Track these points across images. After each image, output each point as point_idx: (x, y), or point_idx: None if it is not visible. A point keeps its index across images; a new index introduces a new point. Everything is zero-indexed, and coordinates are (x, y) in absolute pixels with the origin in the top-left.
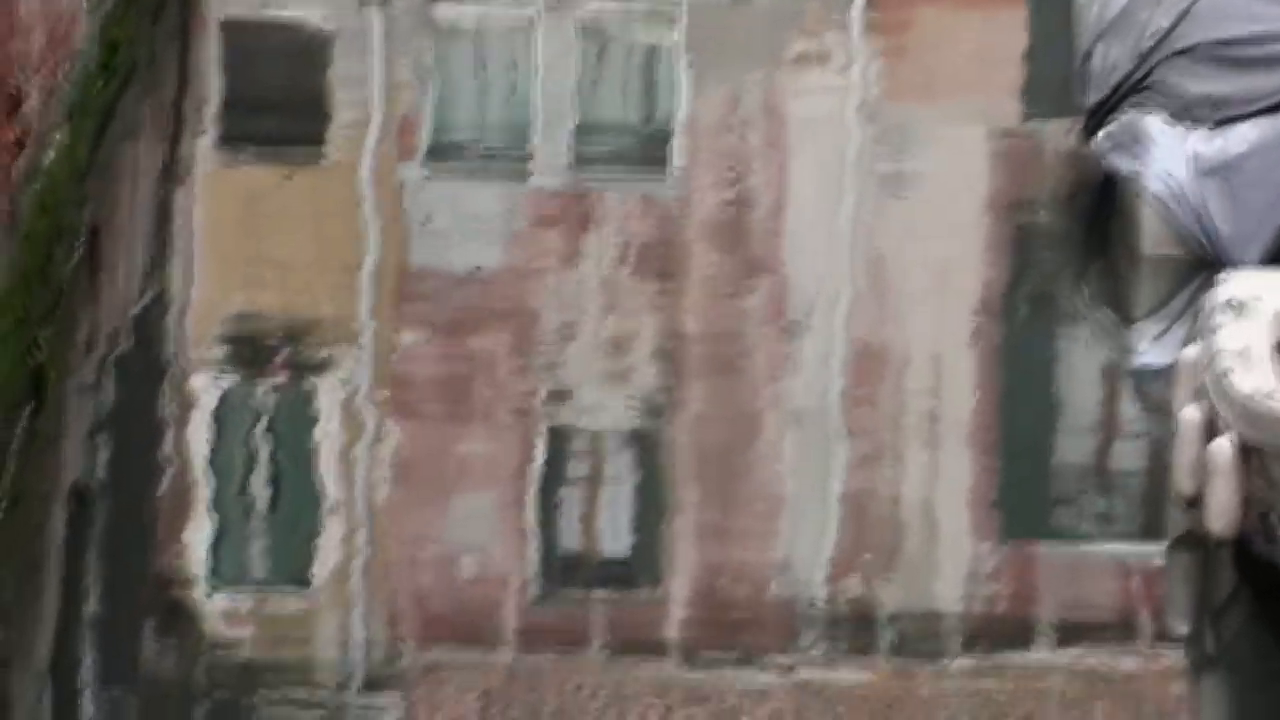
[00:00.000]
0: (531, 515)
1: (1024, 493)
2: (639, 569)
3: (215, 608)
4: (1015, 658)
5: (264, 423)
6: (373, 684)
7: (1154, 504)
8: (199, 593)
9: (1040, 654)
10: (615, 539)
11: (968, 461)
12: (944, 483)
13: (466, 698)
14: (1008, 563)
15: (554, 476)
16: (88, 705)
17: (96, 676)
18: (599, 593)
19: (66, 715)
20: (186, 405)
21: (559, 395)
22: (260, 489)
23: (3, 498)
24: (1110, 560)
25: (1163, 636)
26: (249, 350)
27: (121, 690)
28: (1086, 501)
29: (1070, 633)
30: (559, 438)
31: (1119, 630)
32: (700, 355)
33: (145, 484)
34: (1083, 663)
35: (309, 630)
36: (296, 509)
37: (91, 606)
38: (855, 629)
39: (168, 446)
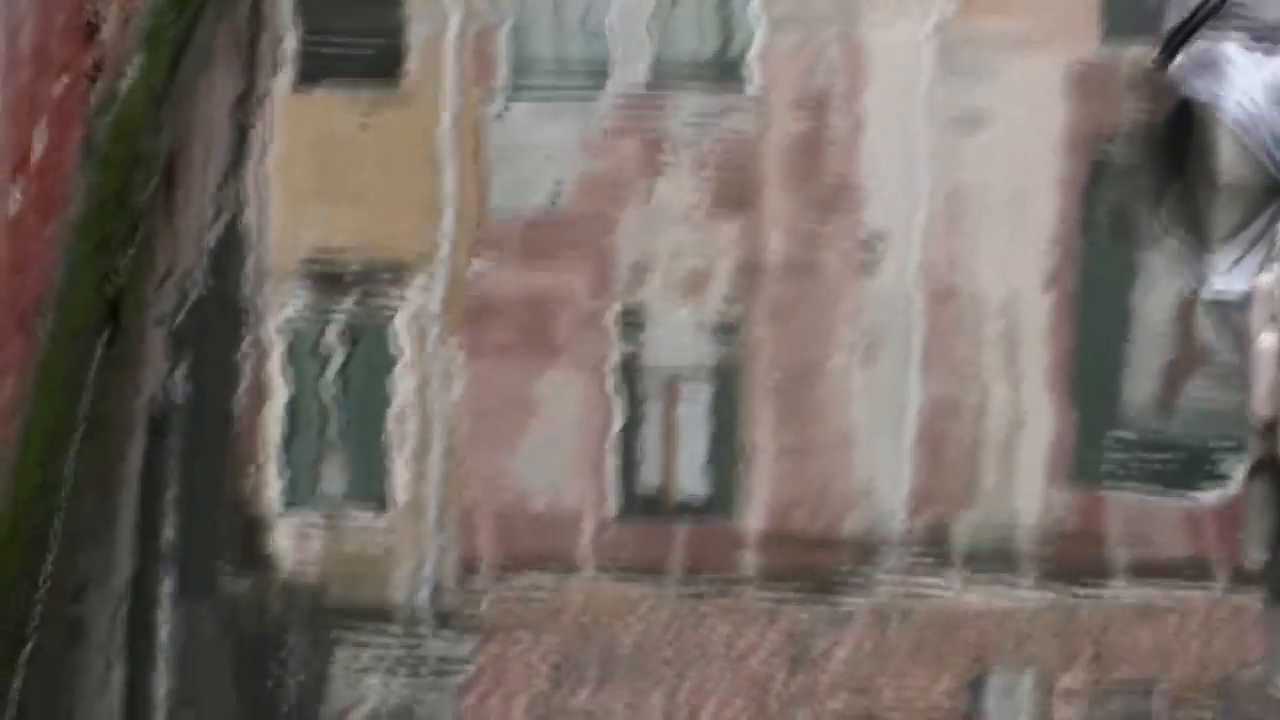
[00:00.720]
0: (608, 450)
1: (1100, 423)
2: (716, 504)
3: (290, 532)
4: (1089, 590)
5: (339, 355)
6: (447, 611)
7: (1231, 431)
8: (275, 517)
9: (1115, 587)
10: (691, 475)
11: (1044, 392)
12: (1021, 413)
13: (543, 631)
14: (1084, 492)
15: (630, 411)
16: (164, 627)
17: (173, 598)
18: (676, 526)
19: (143, 637)
20: (262, 337)
21: (635, 329)
22: (336, 419)
23: (81, 422)
24: (1186, 491)
25: (1240, 572)
26: (325, 283)
27: (198, 612)
28: (1163, 429)
29: (1145, 567)
30: (634, 372)
31: (1195, 564)
32: (776, 287)
33: (222, 413)
34: (1157, 594)
35: (383, 555)
36: (371, 439)
37: (169, 530)
38: (932, 557)
39: (244, 377)
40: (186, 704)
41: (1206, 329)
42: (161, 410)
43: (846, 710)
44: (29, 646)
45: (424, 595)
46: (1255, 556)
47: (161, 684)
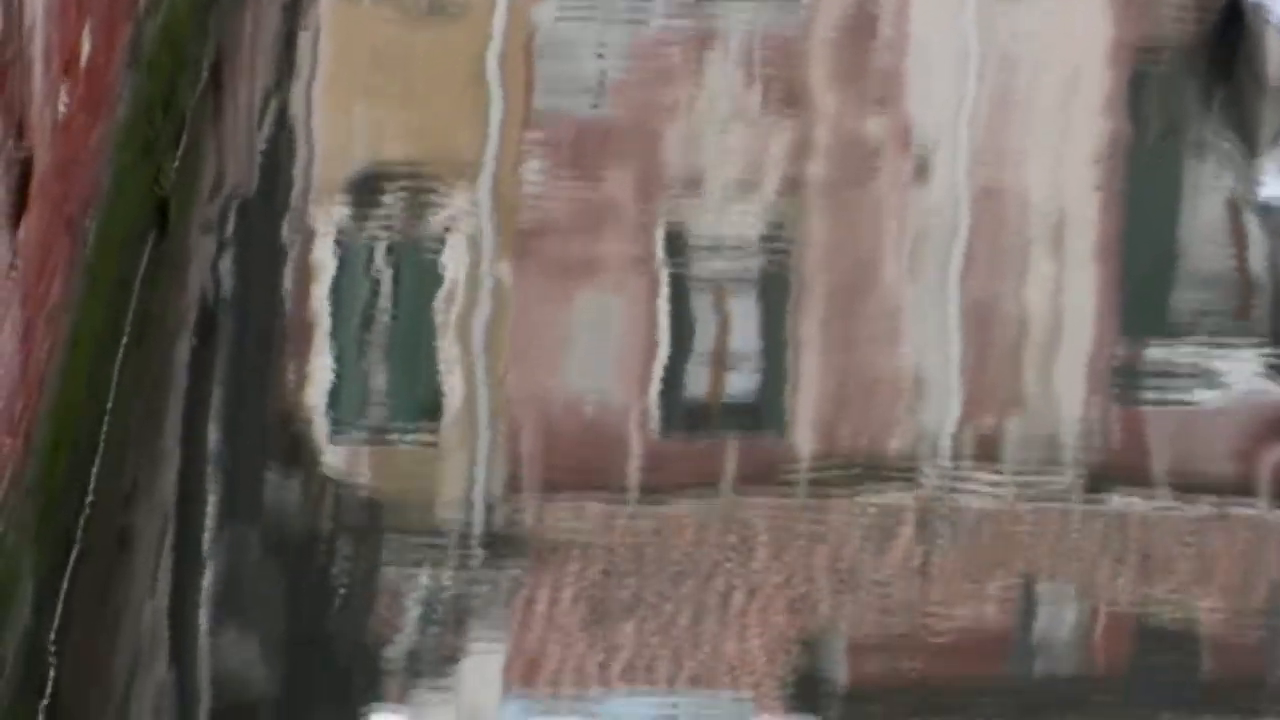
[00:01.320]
0: (657, 358)
1: (1149, 319)
2: (765, 408)
3: (336, 445)
4: (1135, 497)
5: (385, 265)
6: (496, 530)
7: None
8: (320, 430)
9: (1159, 498)
10: (740, 380)
11: (1092, 286)
12: (1069, 309)
13: (592, 541)
14: (1128, 398)
15: (679, 317)
16: (209, 543)
17: (219, 514)
18: (725, 433)
19: (189, 553)
20: (309, 246)
21: (683, 235)
22: (381, 329)
23: (129, 326)
24: (1233, 395)
25: None
26: (372, 192)
27: (243, 528)
28: (1212, 327)
29: (1189, 477)
30: (683, 278)
31: (1239, 473)
32: (824, 188)
33: (268, 322)
34: (1202, 501)
35: (430, 470)
36: (418, 348)
37: (214, 441)
38: (979, 466)
39: (290, 286)
40: (232, 607)
41: (1255, 233)
42: (209, 309)
43: (892, 613)
44: (76, 550)
45: (474, 512)
46: None
47: (207, 588)
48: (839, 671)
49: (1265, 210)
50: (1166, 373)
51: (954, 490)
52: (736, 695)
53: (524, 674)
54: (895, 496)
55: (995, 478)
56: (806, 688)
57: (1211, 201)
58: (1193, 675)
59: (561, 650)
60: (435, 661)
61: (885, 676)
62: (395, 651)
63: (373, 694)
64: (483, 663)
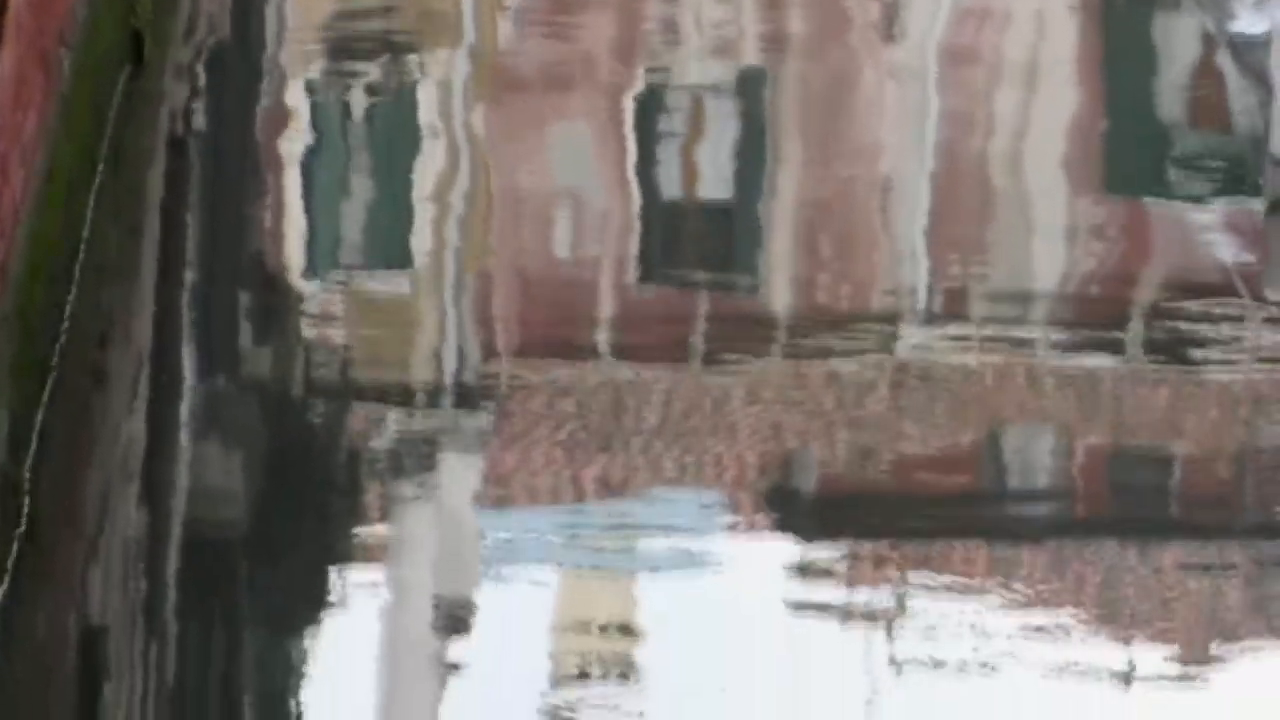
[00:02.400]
0: (631, 160)
1: (1122, 150)
2: (738, 256)
3: (308, 295)
4: (1108, 344)
5: (361, 112)
6: (468, 384)
7: (1251, 168)
8: (293, 279)
9: (1134, 336)
10: (717, 186)
11: (1065, 115)
12: (1039, 137)
13: (559, 400)
14: (1109, 220)
15: (651, 128)
16: (185, 394)
17: (194, 367)
18: (699, 273)
19: (165, 403)
20: (283, 89)
21: (660, 87)
22: (354, 178)
23: (105, 158)
24: (1203, 223)
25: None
26: (347, 43)
27: (219, 381)
28: (1181, 162)
29: (1165, 312)
30: (657, 93)
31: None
32: (804, 9)
33: (240, 166)
34: (1177, 345)
35: (404, 319)
36: (393, 193)
37: (189, 286)
38: (952, 312)
39: (264, 135)
40: (207, 442)
41: (1227, 68)
42: (183, 148)
43: (867, 459)
44: (52, 383)
45: (445, 366)
46: (1276, 293)
47: (184, 421)
48: (811, 488)
49: (1237, 45)
50: (1149, 188)
51: (928, 348)
52: (703, 500)
53: (495, 495)
54: (872, 358)
55: (967, 331)
56: (779, 505)
57: (1187, 35)
58: (1163, 511)
59: (531, 477)
60: (412, 475)
61: (858, 492)
62: (371, 476)
63: (348, 519)
64: (459, 474)
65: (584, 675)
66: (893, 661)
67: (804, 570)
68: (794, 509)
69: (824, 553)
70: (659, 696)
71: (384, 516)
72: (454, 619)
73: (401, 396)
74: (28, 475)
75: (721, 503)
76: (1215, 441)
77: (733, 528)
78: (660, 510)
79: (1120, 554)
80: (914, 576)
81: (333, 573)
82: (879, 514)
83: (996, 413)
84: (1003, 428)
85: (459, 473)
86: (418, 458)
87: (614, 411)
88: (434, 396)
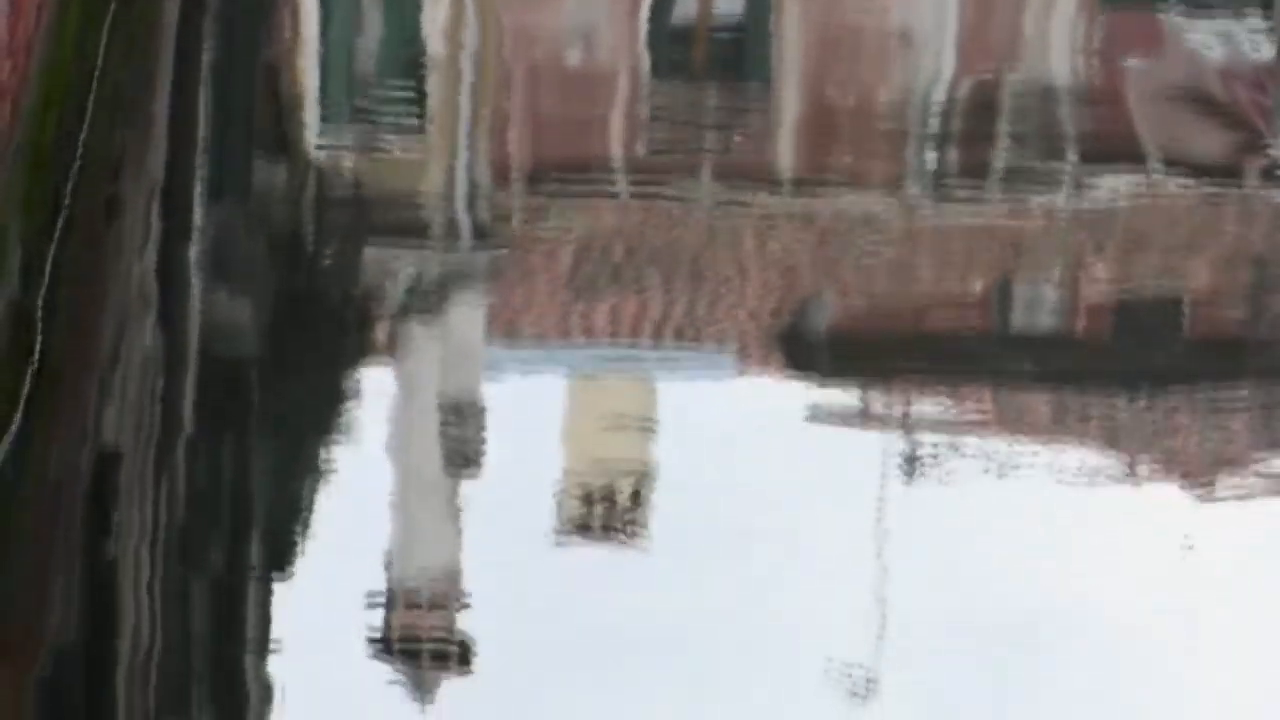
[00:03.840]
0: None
1: None
2: (750, 31)
3: (323, 129)
4: (1122, 183)
5: None
6: (482, 220)
7: None
8: (309, 110)
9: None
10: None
11: None
12: None
13: (570, 234)
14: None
15: None
16: (198, 220)
17: (207, 192)
18: (709, 84)
19: (178, 223)
20: None
21: None
22: (372, 9)
23: None
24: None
25: (1272, 170)
26: None
27: (230, 207)
28: None
29: (1176, 159)
30: None
31: (1225, 165)
32: None
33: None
34: (1187, 189)
35: (417, 153)
36: (404, 29)
37: (204, 107)
38: (967, 147)
39: None
40: (220, 271)
41: None
42: None
43: (877, 299)
44: (65, 215)
45: (458, 199)
46: None
47: (196, 254)
48: (823, 328)
49: None
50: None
51: (941, 183)
52: (719, 348)
53: (505, 329)
54: (882, 182)
55: (981, 163)
56: (791, 345)
57: None
58: (1174, 343)
59: (543, 312)
60: (422, 314)
61: (869, 332)
62: (382, 309)
63: (360, 351)
64: (468, 312)
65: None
66: (904, 469)
67: (815, 409)
68: (806, 352)
69: (836, 393)
70: (670, 499)
71: (392, 351)
72: (462, 454)
73: (414, 231)
74: (40, 308)
75: (733, 348)
76: (1227, 277)
77: (744, 372)
78: (671, 356)
79: (1128, 396)
80: (923, 413)
81: (342, 402)
82: (890, 357)
83: (1008, 247)
84: (1013, 265)
85: (468, 312)
86: (428, 296)
87: (626, 247)
88: (447, 229)
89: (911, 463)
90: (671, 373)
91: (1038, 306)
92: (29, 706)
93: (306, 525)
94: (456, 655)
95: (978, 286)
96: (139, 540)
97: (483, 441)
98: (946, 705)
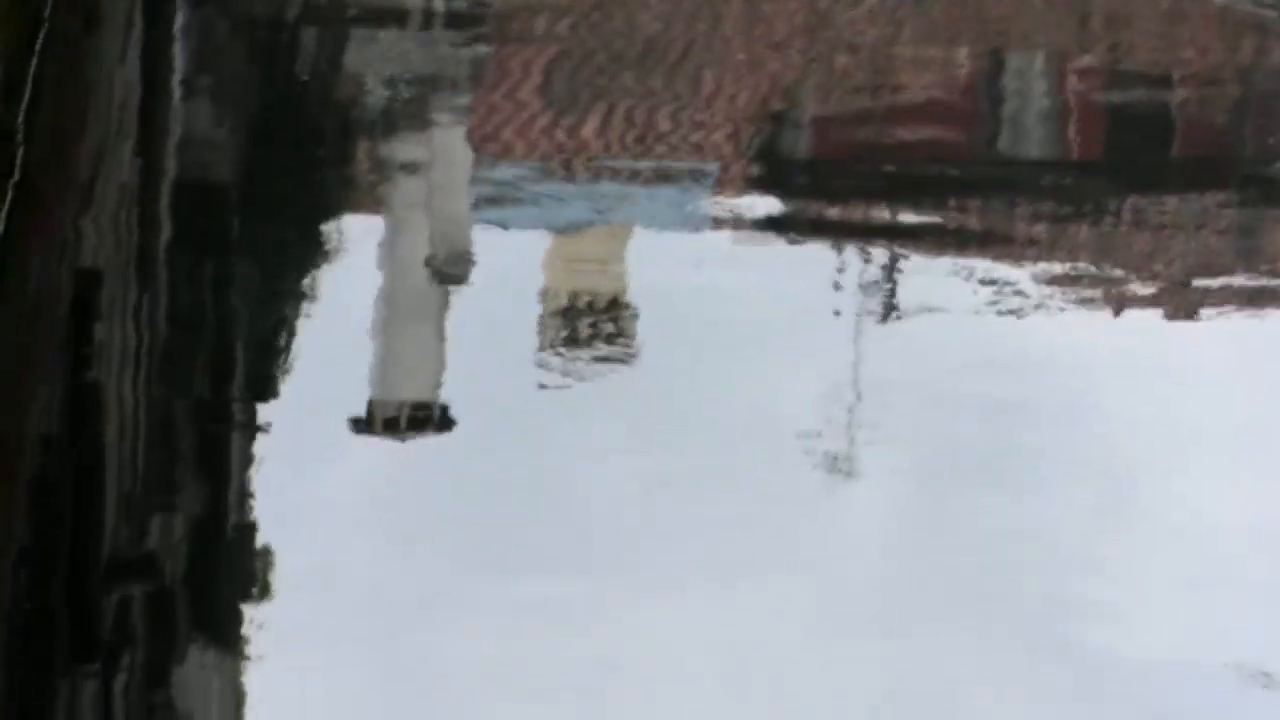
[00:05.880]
0: None
1: None
2: None
3: None
4: None
5: None
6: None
7: None
8: None
9: None
10: None
11: None
12: None
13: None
14: None
15: None
16: (176, 37)
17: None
18: None
19: (158, 33)
20: None
21: None
22: None
23: None
24: None
25: None
26: None
27: (210, 11)
28: None
29: None
30: None
31: None
32: None
33: None
34: None
35: None
36: None
37: None
38: None
39: None
40: (201, 85)
41: None
42: None
43: (863, 76)
44: (45, 31)
45: None
46: None
47: (177, 67)
48: (803, 146)
49: None
50: None
51: None
52: (699, 166)
53: (486, 145)
54: None
55: None
56: (770, 163)
57: None
58: (1163, 155)
59: (524, 129)
60: (404, 128)
61: (850, 148)
62: (363, 118)
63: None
64: (450, 130)
65: (574, 309)
66: (884, 284)
67: (792, 222)
68: (784, 170)
69: (815, 210)
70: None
71: (375, 169)
72: (448, 271)
73: (395, 20)
74: (21, 122)
75: (713, 167)
76: (1215, 76)
77: (723, 189)
78: (653, 168)
79: (1115, 202)
80: (907, 233)
81: (326, 222)
82: (872, 173)
83: (994, 28)
84: (1001, 51)
85: (450, 132)
86: (409, 106)
87: (607, 44)
88: (427, 19)
89: (891, 274)
90: (650, 189)
91: (1026, 94)
92: (20, 506)
93: (289, 348)
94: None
95: (963, 74)
96: (122, 352)
97: (469, 263)
98: (925, 486)
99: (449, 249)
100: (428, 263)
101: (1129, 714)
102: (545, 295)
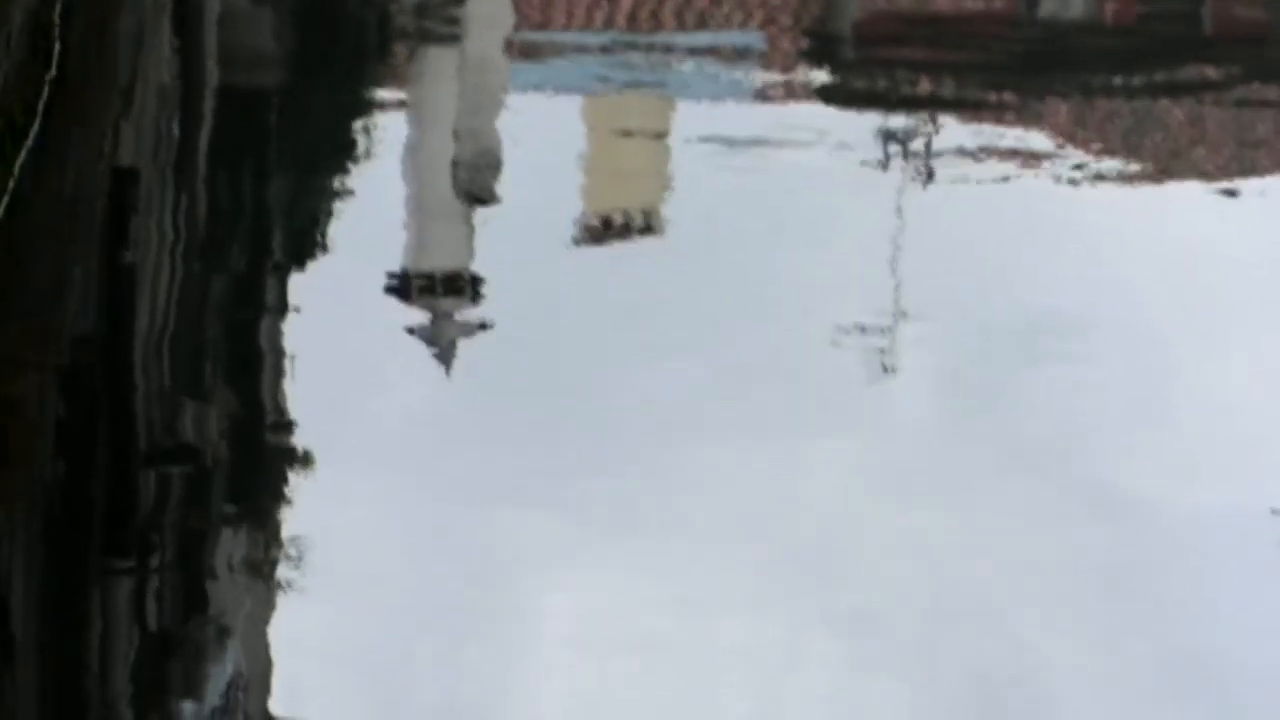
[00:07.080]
0: None
1: None
2: None
3: None
4: None
5: None
6: None
7: None
8: None
9: None
10: None
11: None
12: None
13: None
14: None
15: None
16: None
17: None
18: None
19: None
20: None
21: None
22: None
23: None
24: None
25: None
26: None
27: None
28: None
29: None
30: None
31: None
32: None
33: None
34: None
35: None
36: None
37: None
38: None
39: None
40: None
41: None
42: None
43: None
44: None
45: None
46: None
47: None
48: (849, 18)
49: None
50: None
51: None
52: (745, 39)
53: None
54: None
55: None
56: (817, 36)
57: None
58: (1196, 31)
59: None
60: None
61: (897, 19)
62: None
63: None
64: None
65: (609, 224)
66: (920, 175)
67: (836, 92)
68: (831, 44)
69: (859, 83)
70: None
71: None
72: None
73: None
74: (58, 19)
75: (760, 41)
76: None
77: (769, 64)
78: (698, 40)
79: (1149, 92)
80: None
81: (358, 123)
82: (915, 50)
83: None
84: None
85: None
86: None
87: None
88: None
89: (929, 154)
90: (696, 61)
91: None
92: (52, 393)
93: (323, 240)
94: (469, 288)
95: None
96: (159, 248)
97: (498, 166)
98: (962, 386)
99: (475, 148)
100: (454, 177)
101: (1175, 560)
102: (582, 215)
